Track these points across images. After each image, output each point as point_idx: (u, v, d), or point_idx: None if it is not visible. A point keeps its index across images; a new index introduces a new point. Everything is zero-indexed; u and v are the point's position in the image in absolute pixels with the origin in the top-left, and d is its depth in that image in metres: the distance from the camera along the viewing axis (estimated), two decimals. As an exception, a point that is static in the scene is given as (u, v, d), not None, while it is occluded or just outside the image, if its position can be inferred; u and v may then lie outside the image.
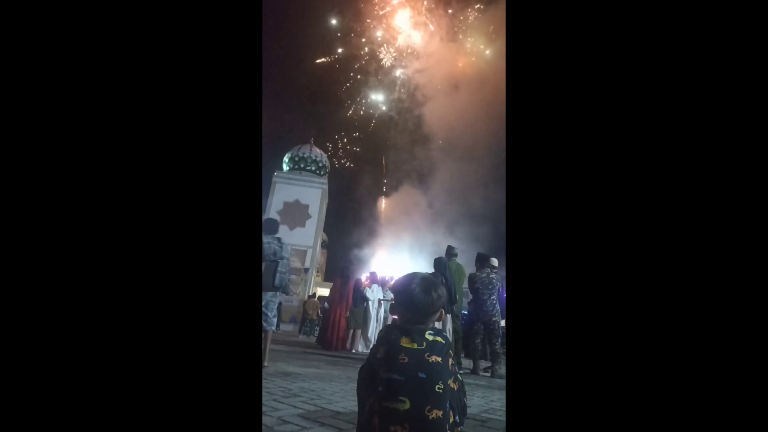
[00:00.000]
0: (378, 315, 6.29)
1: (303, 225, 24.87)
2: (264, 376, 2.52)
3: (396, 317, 0.97)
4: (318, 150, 27.96)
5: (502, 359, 3.99)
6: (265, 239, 3.21)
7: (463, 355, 4.87)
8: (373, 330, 6.16)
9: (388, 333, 0.89)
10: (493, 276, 4.34)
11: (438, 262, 4.32)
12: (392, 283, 7.08)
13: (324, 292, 17.86)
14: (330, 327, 6.27)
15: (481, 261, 4.45)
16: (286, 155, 27.61)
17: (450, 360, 0.85)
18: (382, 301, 6.37)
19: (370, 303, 6.26)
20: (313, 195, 25.72)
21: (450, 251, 4.73)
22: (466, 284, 4.62)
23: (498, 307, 4.26)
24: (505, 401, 2.21)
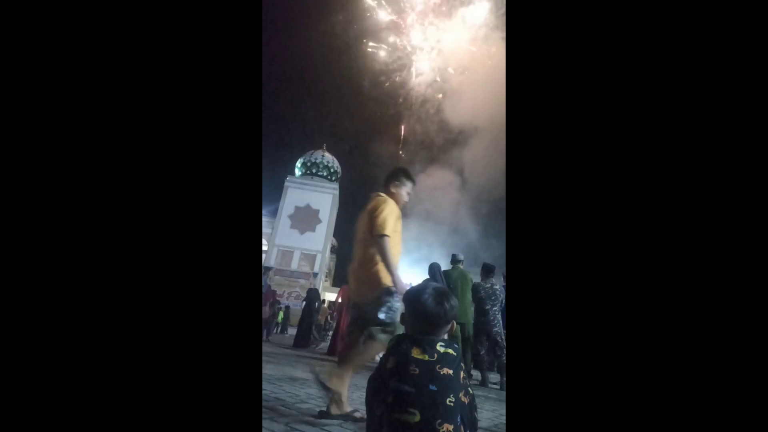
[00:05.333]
0: None
1: (313, 230, 25.02)
2: (272, 381, 2.52)
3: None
4: (330, 156, 28.20)
5: None
6: None
7: (471, 366, 4.81)
8: None
9: (398, 343, 0.89)
10: (497, 287, 4.29)
11: (431, 269, 4.25)
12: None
13: (332, 297, 17.87)
14: (339, 334, 6.26)
15: (486, 271, 4.41)
16: (299, 160, 27.90)
17: (461, 373, 0.84)
18: None
19: None
20: (324, 200, 25.90)
21: (454, 259, 4.68)
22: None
23: (500, 318, 4.21)
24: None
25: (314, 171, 27.33)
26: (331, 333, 8.00)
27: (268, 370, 3.08)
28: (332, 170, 27.76)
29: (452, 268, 4.49)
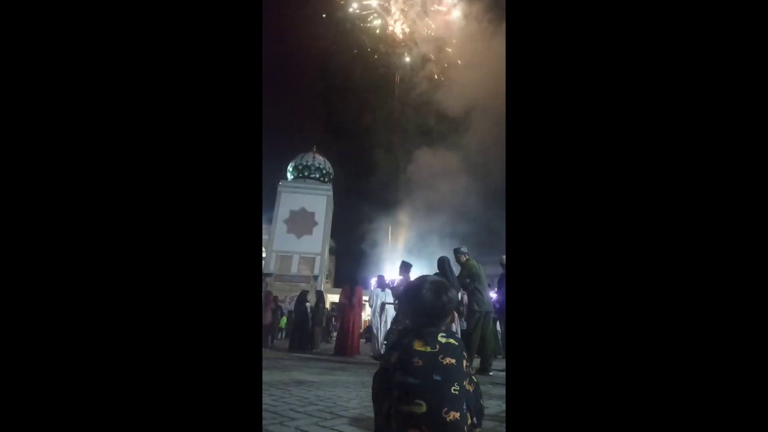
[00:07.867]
0: (383, 319, 6.27)
1: (310, 232, 24.99)
2: (279, 385, 2.53)
3: (405, 321, 0.97)
4: (321, 157, 28.12)
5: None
6: None
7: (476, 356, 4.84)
8: (380, 334, 6.16)
9: (401, 337, 0.90)
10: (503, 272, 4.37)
11: (441, 263, 4.31)
12: (395, 285, 7.08)
13: (334, 298, 17.87)
14: (345, 334, 6.32)
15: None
16: (290, 164, 27.78)
17: (464, 362, 0.85)
18: (386, 305, 6.34)
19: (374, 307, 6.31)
20: (318, 202, 25.85)
21: (460, 252, 4.69)
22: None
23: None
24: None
25: (306, 174, 27.26)
26: (335, 334, 8.05)
27: (274, 375, 3.09)
28: (324, 171, 27.70)
29: (467, 260, 4.50)
